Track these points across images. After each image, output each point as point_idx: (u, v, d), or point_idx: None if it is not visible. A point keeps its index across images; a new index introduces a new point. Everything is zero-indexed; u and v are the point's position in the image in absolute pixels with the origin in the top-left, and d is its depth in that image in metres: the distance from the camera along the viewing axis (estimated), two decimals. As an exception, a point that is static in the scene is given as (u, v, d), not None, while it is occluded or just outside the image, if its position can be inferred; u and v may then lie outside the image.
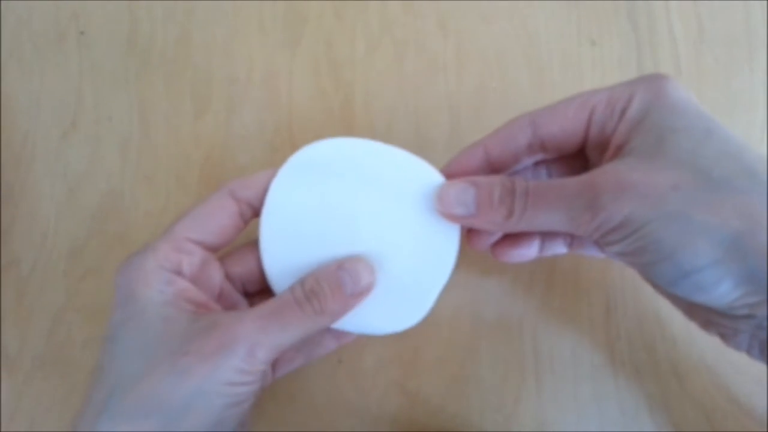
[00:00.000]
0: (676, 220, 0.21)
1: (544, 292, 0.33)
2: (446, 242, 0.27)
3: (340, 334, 0.30)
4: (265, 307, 0.25)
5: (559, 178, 0.24)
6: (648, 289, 0.32)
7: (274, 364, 0.30)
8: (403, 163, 0.28)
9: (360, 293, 0.26)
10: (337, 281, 0.26)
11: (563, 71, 0.35)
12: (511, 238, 0.29)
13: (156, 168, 0.35)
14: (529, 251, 0.29)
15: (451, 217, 0.27)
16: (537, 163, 0.29)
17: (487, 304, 0.33)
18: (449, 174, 0.28)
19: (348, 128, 0.35)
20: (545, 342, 0.32)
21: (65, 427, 0.32)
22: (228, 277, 0.29)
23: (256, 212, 0.28)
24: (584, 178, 0.23)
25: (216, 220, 0.27)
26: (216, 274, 0.28)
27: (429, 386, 0.32)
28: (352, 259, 0.27)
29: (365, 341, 0.33)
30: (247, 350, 0.24)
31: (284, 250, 0.28)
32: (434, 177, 0.28)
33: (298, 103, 0.36)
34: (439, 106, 0.35)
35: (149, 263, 0.25)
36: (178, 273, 0.26)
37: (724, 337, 0.25)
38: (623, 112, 0.24)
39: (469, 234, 0.29)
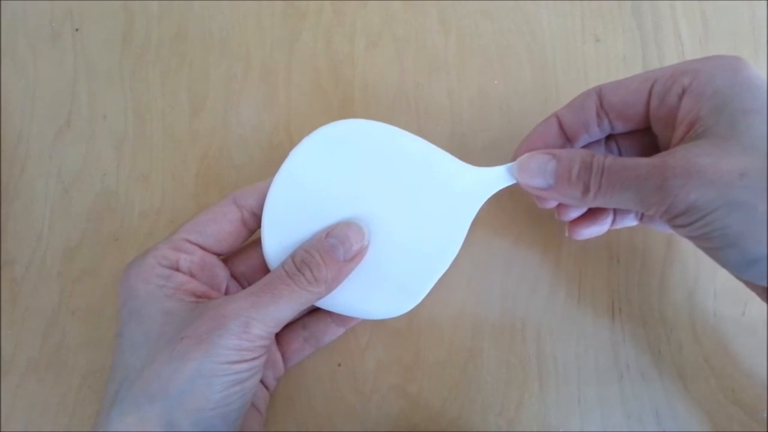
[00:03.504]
0: (740, 209, 0.21)
1: (548, 295, 0.32)
2: (451, 237, 0.28)
3: (344, 319, 0.30)
4: (258, 283, 0.26)
5: (634, 158, 0.24)
6: (653, 291, 0.32)
7: (284, 354, 0.30)
8: (425, 153, 0.28)
9: (353, 257, 0.26)
10: (327, 248, 0.26)
11: (567, 68, 0.35)
12: (591, 215, 0.29)
13: (151, 167, 0.35)
14: (603, 227, 0.30)
15: (529, 188, 0.27)
16: (608, 139, 0.30)
17: (489, 306, 0.32)
18: (530, 147, 0.28)
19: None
20: (548, 345, 0.32)
21: (60, 429, 0.32)
22: (234, 276, 0.29)
23: (261, 221, 0.28)
24: (655, 160, 0.23)
25: (217, 225, 0.28)
26: (220, 273, 0.28)
27: (430, 390, 0.32)
28: (341, 224, 0.27)
29: (365, 344, 0.32)
30: (241, 327, 0.24)
31: (286, 229, 0.28)
32: (456, 165, 0.28)
33: (296, 101, 0.35)
34: (441, 104, 0.35)
35: (148, 261, 0.26)
36: (176, 268, 0.27)
37: None
38: (687, 85, 0.24)
39: (558, 205, 0.30)
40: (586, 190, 0.25)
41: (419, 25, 0.36)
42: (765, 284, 0.23)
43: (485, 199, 0.28)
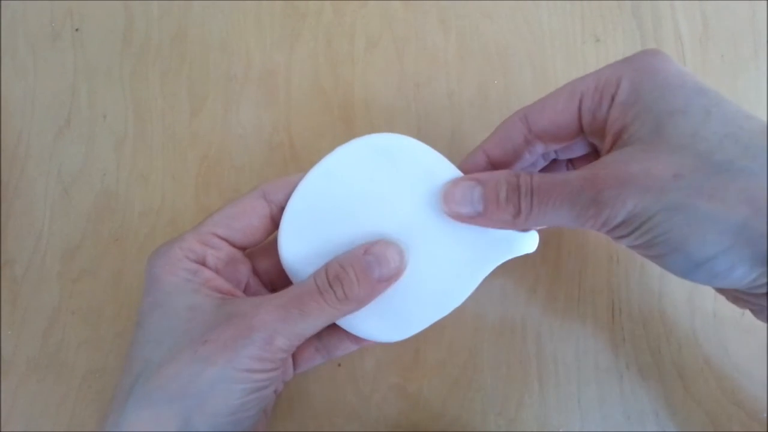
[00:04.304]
0: (680, 212, 0.21)
1: (548, 294, 0.32)
2: (461, 285, 0.27)
3: (360, 338, 0.29)
4: (286, 294, 0.25)
5: (564, 173, 0.24)
6: (653, 292, 0.32)
7: (294, 360, 0.30)
8: None
9: (389, 278, 0.26)
10: (363, 267, 0.25)
11: (567, 68, 0.35)
12: None
13: (151, 167, 0.35)
14: None
15: (457, 217, 0.26)
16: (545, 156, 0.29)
17: (489, 306, 0.32)
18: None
19: (347, 127, 0.35)
20: (549, 345, 0.32)
21: (61, 429, 0.32)
22: (255, 272, 0.29)
23: None
24: (585, 172, 0.23)
25: (245, 219, 0.27)
26: (243, 269, 0.28)
27: (430, 389, 0.32)
28: (381, 243, 0.26)
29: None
30: (266, 339, 0.24)
31: (305, 236, 0.27)
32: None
33: (296, 102, 0.35)
34: (441, 104, 0.35)
35: (176, 252, 0.26)
36: (203, 264, 0.26)
37: (753, 312, 0.25)
38: (613, 96, 0.24)
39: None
40: (517, 212, 0.24)
41: (419, 25, 0.36)
42: (713, 285, 0.23)
43: (506, 259, 0.27)
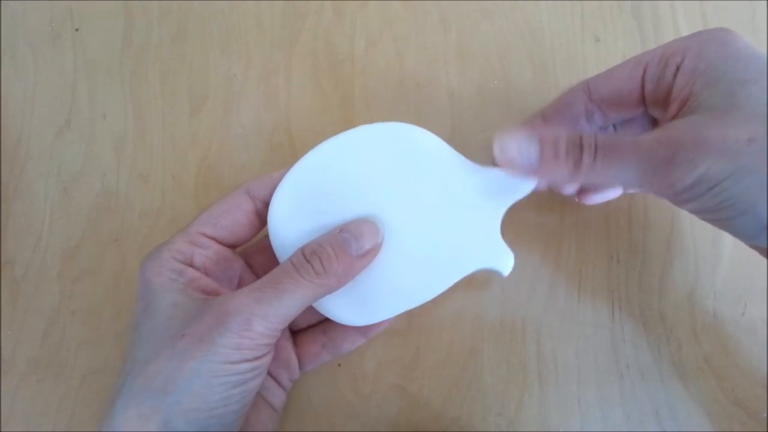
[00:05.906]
0: (752, 174, 0.21)
1: (548, 294, 0.32)
2: (437, 281, 0.27)
3: (366, 329, 0.30)
4: (263, 278, 0.25)
5: (630, 136, 0.24)
6: (653, 291, 0.32)
7: (300, 359, 0.30)
8: (466, 192, 0.27)
9: (366, 254, 0.26)
10: (340, 242, 0.25)
11: (567, 68, 0.35)
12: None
13: (151, 167, 0.35)
14: (614, 192, 0.29)
15: (511, 168, 0.26)
16: (603, 129, 0.29)
17: (489, 306, 0.32)
18: None
19: (347, 127, 0.34)
20: (548, 345, 0.32)
21: (61, 429, 0.32)
22: (249, 266, 0.29)
23: None
24: (658, 134, 0.23)
25: (231, 217, 0.27)
26: (235, 266, 0.28)
27: (430, 389, 0.32)
28: (355, 221, 0.26)
29: (365, 344, 0.32)
30: (242, 324, 0.23)
31: (295, 221, 0.27)
32: (485, 222, 0.27)
33: (296, 101, 0.35)
34: (441, 104, 0.35)
35: (164, 254, 0.26)
36: (190, 264, 0.26)
37: None
38: (679, 64, 0.24)
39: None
40: (576, 166, 0.24)
41: (419, 25, 0.36)
42: None
43: (479, 269, 0.28)
